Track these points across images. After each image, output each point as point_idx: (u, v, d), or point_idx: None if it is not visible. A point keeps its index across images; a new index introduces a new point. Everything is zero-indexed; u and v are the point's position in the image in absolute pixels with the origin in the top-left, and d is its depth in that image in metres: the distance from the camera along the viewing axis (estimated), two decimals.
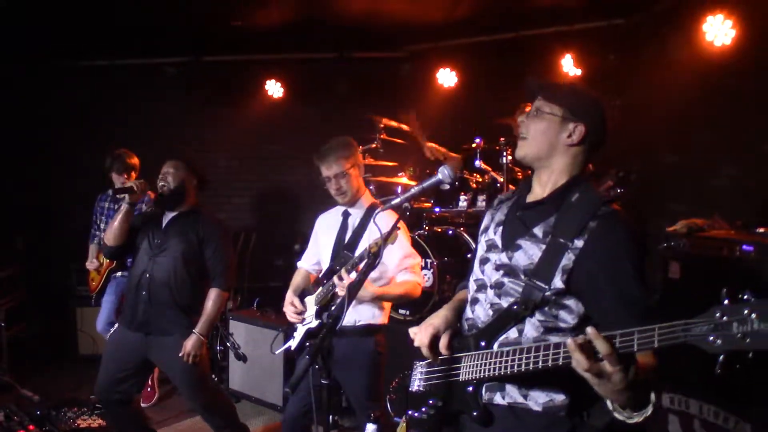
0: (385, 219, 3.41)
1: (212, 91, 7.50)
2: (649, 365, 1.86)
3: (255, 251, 7.38)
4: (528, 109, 4.54)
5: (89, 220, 5.82)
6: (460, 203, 5.44)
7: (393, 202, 2.47)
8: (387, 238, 2.52)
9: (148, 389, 5.60)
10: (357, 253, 3.41)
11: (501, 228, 2.26)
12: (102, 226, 5.71)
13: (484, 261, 2.27)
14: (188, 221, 4.20)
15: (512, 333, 2.10)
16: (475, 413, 2.13)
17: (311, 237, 3.99)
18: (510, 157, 5.12)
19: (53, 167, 7.21)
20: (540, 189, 2.22)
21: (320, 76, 7.57)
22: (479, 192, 5.39)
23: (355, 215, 3.72)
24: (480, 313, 2.23)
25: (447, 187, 5.22)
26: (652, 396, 1.77)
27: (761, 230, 4.08)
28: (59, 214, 7.21)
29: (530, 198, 2.26)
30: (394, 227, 2.60)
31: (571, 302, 2.05)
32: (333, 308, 3.41)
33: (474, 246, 5.20)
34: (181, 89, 7.52)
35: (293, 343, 3.69)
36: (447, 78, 7.02)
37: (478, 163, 5.49)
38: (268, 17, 6.11)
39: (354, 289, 2.40)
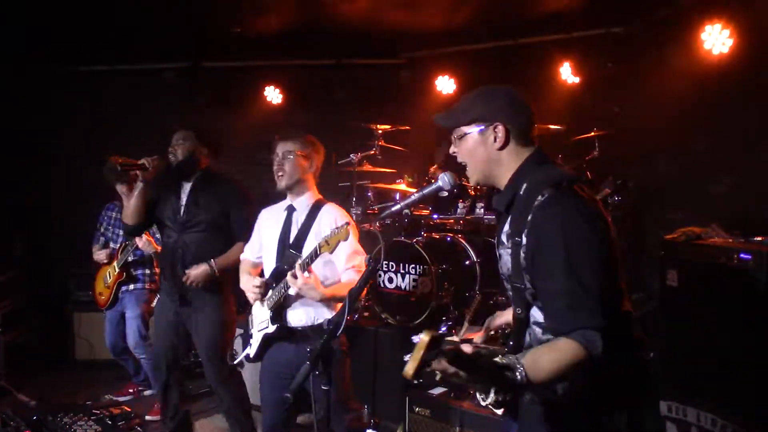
0: (336, 213, 3.53)
1: (211, 96, 7.50)
2: None
3: None
4: None
5: (88, 225, 5.82)
6: (459, 210, 5.45)
7: (393, 209, 2.48)
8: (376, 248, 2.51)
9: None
10: (305, 251, 3.37)
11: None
12: (109, 234, 5.70)
13: None
14: (207, 190, 4.30)
15: (527, 337, 2.14)
16: None
17: (254, 231, 3.94)
18: None
19: (52, 172, 7.20)
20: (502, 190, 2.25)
21: (319, 82, 7.57)
22: (478, 199, 5.40)
23: (300, 211, 3.64)
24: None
25: (446, 194, 5.23)
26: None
27: (759, 239, 4.09)
28: (57, 218, 7.20)
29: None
30: (346, 224, 2.62)
31: (537, 308, 2.08)
32: (292, 317, 3.48)
33: (471, 253, 5.24)
34: (180, 95, 7.50)
35: (251, 351, 3.66)
36: (446, 85, 7.02)
37: None
38: (267, 24, 6.11)
39: (354, 294, 2.40)
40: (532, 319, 2.10)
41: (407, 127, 6.01)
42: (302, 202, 3.65)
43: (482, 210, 5.34)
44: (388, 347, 5.05)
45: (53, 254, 7.11)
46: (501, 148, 2.15)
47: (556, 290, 1.93)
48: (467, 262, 5.28)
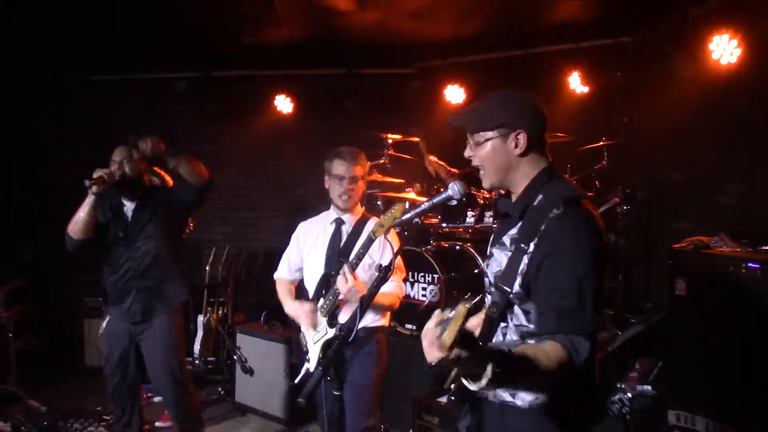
0: (392, 234, 3.46)
1: (222, 106, 7.56)
2: None
3: (262, 265, 7.42)
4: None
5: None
6: (468, 219, 5.47)
7: (403, 218, 2.51)
8: (397, 254, 2.52)
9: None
10: (351, 257, 3.38)
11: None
12: None
13: None
14: (149, 202, 4.21)
15: (498, 337, 2.16)
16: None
17: (291, 245, 3.95)
18: None
19: (62, 180, 7.23)
20: (513, 199, 2.28)
21: (329, 91, 7.62)
22: (486, 208, 5.42)
23: (349, 223, 3.73)
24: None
25: (455, 203, 5.25)
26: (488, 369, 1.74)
27: (767, 248, 4.09)
28: (67, 226, 7.23)
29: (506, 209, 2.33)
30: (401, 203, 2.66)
31: (530, 306, 2.10)
32: (343, 320, 3.44)
33: (480, 261, 5.26)
34: (191, 104, 7.57)
35: (311, 365, 3.56)
36: (455, 94, 7.06)
37: None
38: (278, 34, 6.15)
39: (366, 301, 2.42)
40: (513, 321, 2.13)
41: (417, 139, 6.04)
42: (350, 216, 3.76)
43: (491, 219, 5.36)
44: (397, 356, 5.06)
45: (63, 262, 7.13)
46: (521, 155, 2.19)
47: (555, 294, 1.98)
48: (476, 271, 5.30)
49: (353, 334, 2.26)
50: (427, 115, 7.18)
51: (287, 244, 3.99)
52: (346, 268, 3.23)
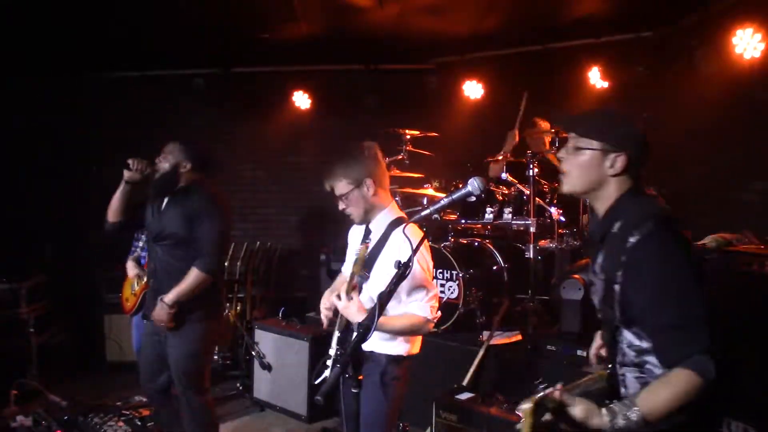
0: (401, 241, 2.98)
1: (240, 102, 7.58)
2: None
3: (280, 261, 7.43)
4: (543, 124, 4.52)
5: None
6: (487, 215, 5.44)
7: (422, 214, 2.48)
8: (416, 251, 2.47)
9: None
10: (373, 272, 3.05)
11: None
12: (141, 243, 5.68)
13: None
14: (179, 204, 4.05)
15: (619, 356, 2.16)
16: None
17: (348, 244, 3.57)
18: (536, 170, 5.10)
19: (82, 177, 7.29)
20: (598, 219, 2.26)
21: (347, 87, 7.62)
22: (505, 204, 5.39)
23: (376, 232, 3.21)
24: None
25: (474, 199, 5.22)
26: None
27: None
28: (87, 223, 7.28)
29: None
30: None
31: (638, 329, 2.08)
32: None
33: (499, 258, 5.23)
34: (209, 100, 7.59)
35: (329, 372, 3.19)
36: (473, 90, 7.03)
37: (504, 175, 5.49)
38: (297, 30, 6.15)
39: (384, 299, 2.38)
40: (625, 342, 2.13)
41: (436, 134, 6.01)
42: (378, 222, 3.23)
43: (510, 215, 5.32)
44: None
45: (84, 258, 7.20)
46: (614, 176, 2.17)
47: (660, 325, 1.96)
48: (495, 268, 5.27)
49: (371, 333, 2.22)
50: (446, 110, 7.15)
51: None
52: (342, 288, 2.90)
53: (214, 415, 4.34)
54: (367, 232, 3.28)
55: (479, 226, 5.62)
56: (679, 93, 5.75)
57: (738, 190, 5.41)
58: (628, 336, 2.11)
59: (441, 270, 5.10)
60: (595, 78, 6.30)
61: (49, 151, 6.98)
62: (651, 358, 2.05)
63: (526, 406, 1.67)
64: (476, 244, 5.45)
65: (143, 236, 5.55)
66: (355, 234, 3.45)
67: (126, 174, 4.01)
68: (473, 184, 2.36)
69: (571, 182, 2.24)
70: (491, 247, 5.34)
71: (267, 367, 5.38)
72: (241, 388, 6.00)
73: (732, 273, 4.08)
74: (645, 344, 2.07)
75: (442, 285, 5.08)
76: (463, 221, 5.58)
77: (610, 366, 2.23)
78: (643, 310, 2.00)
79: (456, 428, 4.02)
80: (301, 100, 7.56)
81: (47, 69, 6.74)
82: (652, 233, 2.03)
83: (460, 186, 2.39)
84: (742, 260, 4.05)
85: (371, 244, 3.08)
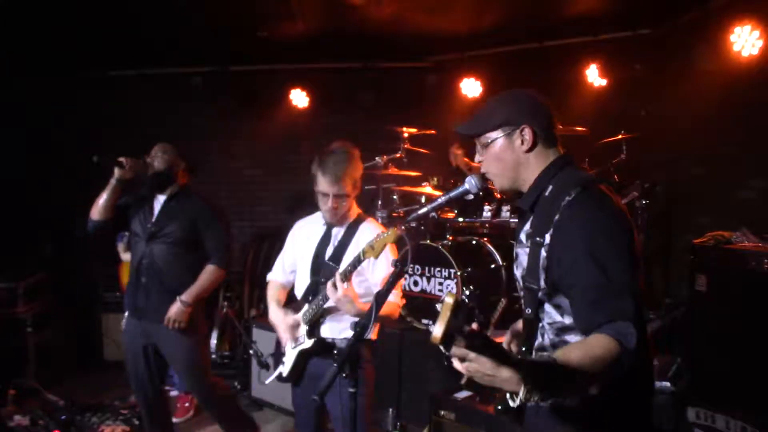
0: (378, 230, 3.31)
1: (238, 100, 7.55)
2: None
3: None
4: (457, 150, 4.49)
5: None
6: (485, 213, 5.43)
7: (420, 212, 2.47)
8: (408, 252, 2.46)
9: (186, 404, 5.62)
10: (343, 264, 3.19)
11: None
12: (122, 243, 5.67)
13: None
14: (180, 205, 4.19)
15: (538, 338, 2.13)
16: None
17: (287, 244, 3.73)
18: None
19: (81, 175, 7.27)
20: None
21: (345, 85, 7.61)
22: (503, 202, 5.38)
23: (340, 227, 3.45)
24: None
25: (471, 197, 5.22)
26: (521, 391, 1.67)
27: None
28: (85, 221, 7.26)
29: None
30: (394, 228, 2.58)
31: (561, 300, 2.05)
32: (325, 332, 3.34)
33: (497, 256, 5.23)
34: (207, 99, 7.58)
35: (284, 369, 3.46)
36: (472, 88, 7.01)
37: None
38: (294, 28, 6.13)
39: (381, 298, 2.38)
40: (546, 319, 2.10)
41: (433, 131, 6.00)
42: (342, 218, 3.45)
43: (508, 213, 5.32)
44: (413, 351, 5.05)
45: (82, 257, 7.18)
46: (528, 151, 2.15)
47: (582, 285, 1.91)
48: (493, 266, 5.26)
49: (368, 332, 2.22)
50: (444, 108, 7.14)
51: None
52: (337, 276, 3.06)
53: (237, 402, 4.58)
54: (330, 228, 3.46)
55: (477, 224, 5.61)
56: (677, 90, 5.74)
57: (736, 188, 5.40)
58: (550, 312, 2.08)
59: (439, 268, 5.10)
60: (594, 76, 6.29)
61: (47, 149, 6.96)
62: (570, 337, 2.02)
63: (448, 300, 1.58)
64: (474, 242, 5.45)
65: (124, 236, 5.56)
66: (306, 230, 3.61)
67: (117, 172, 4.03)
68: (471, 182, 2.35)
69: (498, 180, 2.23)
70: (489, 246, 5.33)
71: (265, 365, 5.37)
72: (239, 386, 6.00)
73: (730, 271, 4.08)
74: (567, 320, 2.03)
75: (441, 283, 5.08)
76: (461, 219, 5.57)
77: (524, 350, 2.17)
78: (570, 268, 1.94)
79: (455, 427, 4.01)
80: (299, 98, 7.54)
81: (45, 68, 6.72)
82: (589, 193, 2.02)
83: (459, 184, 2.39)
84: (740, 258, 4.05)
85: (335, 239, 3.38)
